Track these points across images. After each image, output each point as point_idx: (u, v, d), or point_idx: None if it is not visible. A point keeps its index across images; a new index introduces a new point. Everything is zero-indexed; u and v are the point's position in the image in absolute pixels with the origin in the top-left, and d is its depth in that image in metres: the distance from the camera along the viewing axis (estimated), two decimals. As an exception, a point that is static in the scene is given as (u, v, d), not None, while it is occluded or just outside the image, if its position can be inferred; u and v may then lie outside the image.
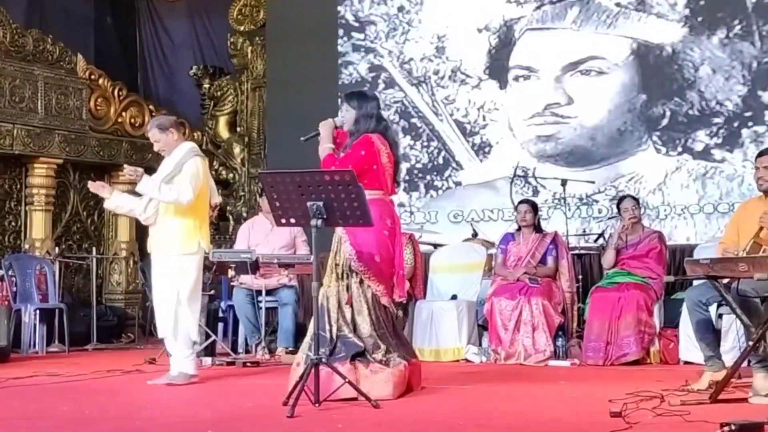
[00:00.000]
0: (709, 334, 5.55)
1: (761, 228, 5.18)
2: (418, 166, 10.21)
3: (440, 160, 10.15)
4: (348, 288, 5.28)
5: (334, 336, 5.20)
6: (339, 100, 10.60)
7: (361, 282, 5.26)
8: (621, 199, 7.79)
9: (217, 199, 6.39)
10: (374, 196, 5.24)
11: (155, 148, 6.20)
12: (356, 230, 5.21)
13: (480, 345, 7.70)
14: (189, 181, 5.93)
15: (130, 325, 10.27)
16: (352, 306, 5.25)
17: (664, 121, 9.23)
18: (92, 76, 10.37)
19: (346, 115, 5.46)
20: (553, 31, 9.74)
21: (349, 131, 5.44)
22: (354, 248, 5.24)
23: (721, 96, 9.05)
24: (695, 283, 5.91)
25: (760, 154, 5.58)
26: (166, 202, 5.98)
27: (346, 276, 5.29)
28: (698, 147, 9.08)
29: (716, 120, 9.05)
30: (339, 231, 5.30)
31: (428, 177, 10.18)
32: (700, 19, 9.17)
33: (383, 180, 5.37)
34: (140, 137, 10.75)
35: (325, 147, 5.35)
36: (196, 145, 6.35)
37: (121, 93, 10.66)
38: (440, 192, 10.14)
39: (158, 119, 6.36)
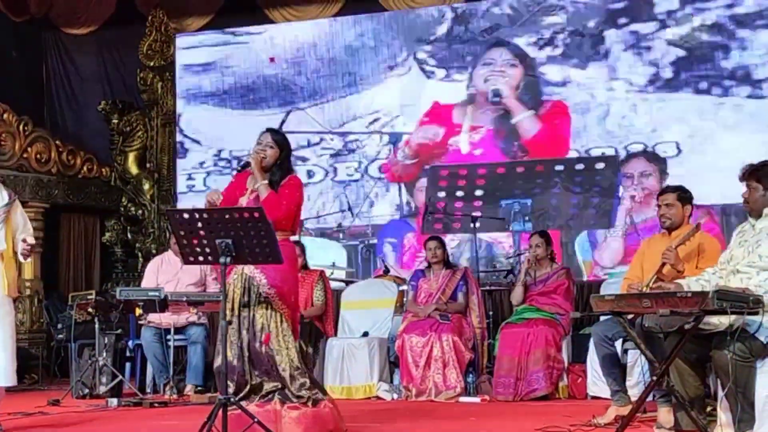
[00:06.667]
0: (615, 369, 5.65)
1: (664, 264, 5.30)
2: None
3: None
4: (263, 327, 5.18)
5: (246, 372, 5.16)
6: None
7: (281, 320, 5.16)
8: (531, 235, 7.89)
9: None
10: (284, 237, 5.21)
11: None
12: (270, 269, 5.13)
13: (391, 382, 7.69)
14: None
15: (33, 366, 9.96)
16: (269, 344, 5.15)
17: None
18: (-4, 111, 10.14)
19: (269, 151, 5.28)
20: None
21: (267, 167, 5.28)
22: (273, 287, 5.15)
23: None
24: (602, 318, 6.02)
25: (662, 192, 5.72)
26: None
27: (254, 312, 5.20)
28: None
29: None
30: (246, 270, 5.21)
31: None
32: None
33: (296, 222, 5.38)
34: (46, 173, 10.53)
35: (263, 184, 5.21)
36: None
37: (26, 128, 10.40)
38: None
39: None
